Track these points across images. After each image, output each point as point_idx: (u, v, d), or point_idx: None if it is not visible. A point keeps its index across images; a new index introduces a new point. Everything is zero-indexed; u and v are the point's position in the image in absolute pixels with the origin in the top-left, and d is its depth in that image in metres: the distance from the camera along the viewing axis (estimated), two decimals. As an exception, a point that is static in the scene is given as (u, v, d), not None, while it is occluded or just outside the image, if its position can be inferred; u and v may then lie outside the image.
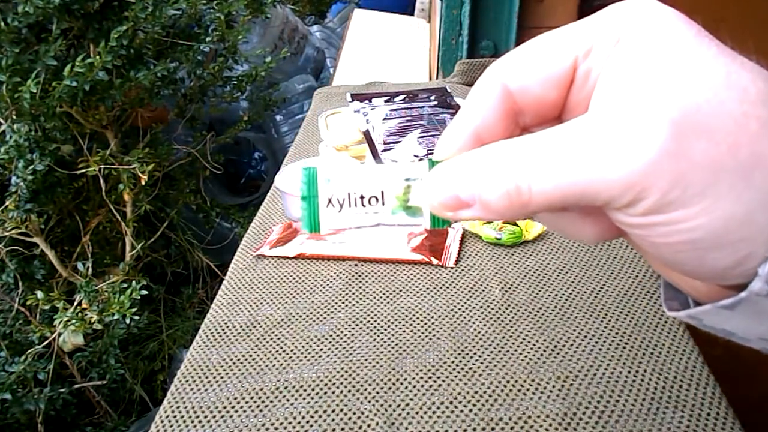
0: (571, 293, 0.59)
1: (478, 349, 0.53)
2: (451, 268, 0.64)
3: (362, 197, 0.22)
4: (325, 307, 0.60)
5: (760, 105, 0.16)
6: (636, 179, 0.17)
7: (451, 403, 0.48)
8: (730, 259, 0.18)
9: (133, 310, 1.08)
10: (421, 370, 0.51)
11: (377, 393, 0.50)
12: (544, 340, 0.54)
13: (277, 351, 0.55)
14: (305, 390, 0.50)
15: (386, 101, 0.91)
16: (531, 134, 0.19)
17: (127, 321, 1.08)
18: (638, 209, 0.17)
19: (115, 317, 1.08)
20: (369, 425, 0.47)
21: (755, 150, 0.16)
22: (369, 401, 0.49)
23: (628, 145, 0.17)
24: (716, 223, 0.17)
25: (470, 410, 0.47)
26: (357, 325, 0.57)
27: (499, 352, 0.53)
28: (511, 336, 0.54)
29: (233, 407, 0.49)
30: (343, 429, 0.47)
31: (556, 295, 0.59)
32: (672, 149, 0.16)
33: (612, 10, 0.19)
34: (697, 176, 0.16)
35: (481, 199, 0.19)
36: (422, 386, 0.50)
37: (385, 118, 0.84)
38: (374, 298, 0.61)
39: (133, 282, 1.12)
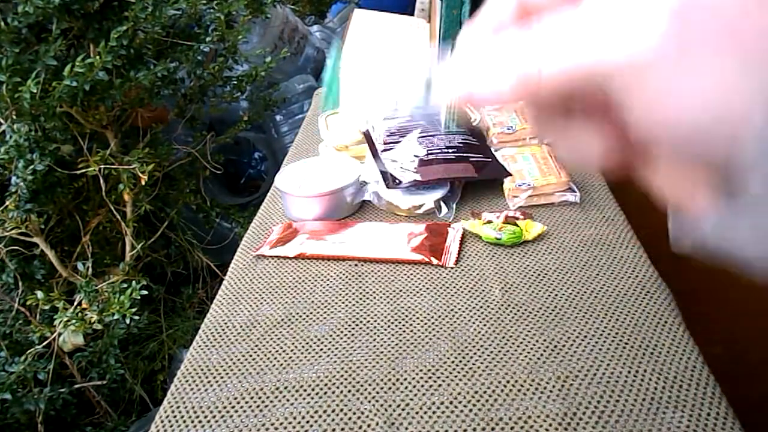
0: (571, 293, 0.59)
1: (478, 349, 0.53)
2: (451, 268, 0.64)
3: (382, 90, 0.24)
4: (325, 307, 0.60)
5: None
6: (644, 47, 0.17)
7: (451, 403, 0.48)
8: (728, 130, 0.18)
9: (133, 310, 1.08)
10: (421, 370, 0.51)
11: (377, 393, 0.50)
12: (544, 340, 0.54)
13: (277, 351, 0.55)
14: (305, 390, 0.50)
15: (386, 101, 0.91)
16: (540, 22, 0.19)
17: (127, 321, 1.08)
18: (648, 81, 0.18)
19: (115, 317, 1.08)
20: (369, 425, 0.47)
21: (758, 23, 0.17)
22: (369, 401, 0.49)
23: (635, 18, 0.17)
24: (721, 90, 0.17)
25: (470, 410, 0.47)
26: (357, 325, 0.57)
27: (499, 352, 0.53)
28: (511, 336, 0.54)
29: (233, 407, 0.49)
30: (343, 429, 0.47)
31: (556, 295, 0.59)
32: (676, 19, 0.17)
33: None
34: (702, 45, 0.17)
35: (495, 87, 0.20)
36: (422, 386, 0.50)
37: (385, 118, 0.84)
38: (374, 298, 0.61)
39: (133, 282, 1.12)
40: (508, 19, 0.22)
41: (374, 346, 0.55)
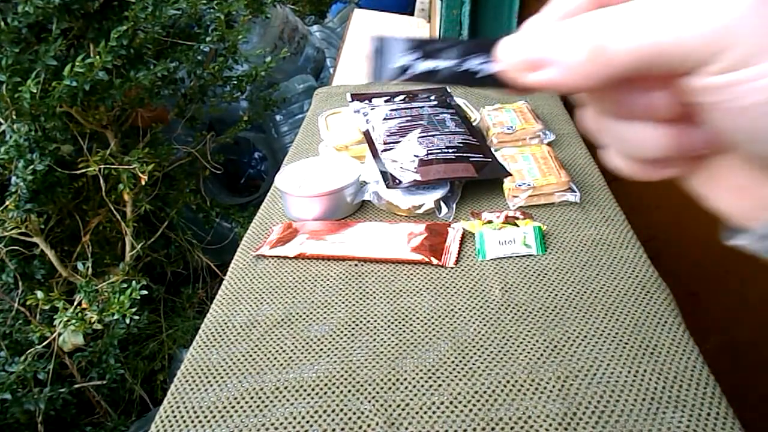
0: (571, 293, 0.59)
1: (478, 349, 0.53)
2: (451, 268, 0.64)
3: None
4: (325, 307, 0.60)
5: None
6: (721, 25, 0.17)
7: (451, 403, 0.48)
8: None
9: (133, 310, 1.08)
10: (421, 370, 0.51)
11: (377, 393, 0.50)
12: (544, 340, 0.54)
13: (277, 351, 0.55)
14: (305, 390, 0.50)
15: (386, 101, 0.91)
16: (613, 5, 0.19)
17: (127, 321, 1.08)
18: (722, 63, 0.17)
19: (115, 317, 1.08)
20: (369, 425, 0.47)
21: None
22: (369, 401, 0.49)
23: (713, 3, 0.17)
24: None
25: (470, 410, 0.47)
26: (357, 325, 0.57)
27: (499, 352, 0.53)
28: (511, 336, 0.54)
29: (233, 407, 0.49)
30: (343, 429, 0.47)
31: (556, 295, 0.59)
32: (758, 7, 0.16)
33: None
34: None
35: (563, 57, 0.19)
36: (422, 386, 0.50)
37: (385, 118, 0.84)
38: (374, 298, 0.61)
39: (133, 282, 1.12)
40: (582, 8, 0.21)
41: (374, 346, 0.55)
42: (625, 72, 0.18)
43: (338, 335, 0.56)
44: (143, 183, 1.23)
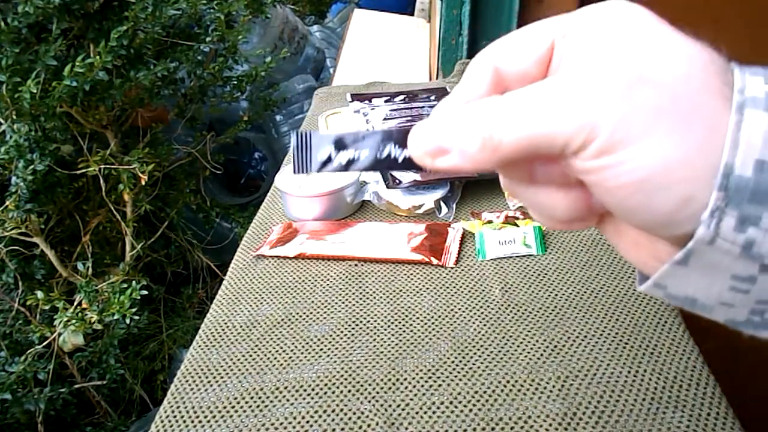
0: (571, 293, 0.59)
1: (478, 349, 0.53)
2: (451, 268, 0.64)
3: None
4: (325, 307, 0.60)
5: (702, 69, 0.19)
6: (586, 120, 0.19)
7: (451, 403, 0.48)
8: (675, 201, 0.19)
9: (133, 310, 1.08)
10: (421, 370, 0.51)
11: (377, 393, 0.50)
12: (544, 340, 0.54)
13: (277, 351, 0.55)
14: (305, 390, 0.50)
15: (386, 101, 0.91)
16: (504, 94, 0.22)
17: (127, 321, 1.08)
18: (590, 151, 0.20)
19: (115, 317, 1.08)
20: (369, 425, 0.47)
21: (694, 103, 0.19)
22: (369, 401, 0.49)
23: (581, 93, 0.20)
24: (658, 162, 0.19)
25: (470, 410, 0.47)
26: (357, 325, 0.57)
27: (499, 352, 0.53)
28: (511, 336, 0.54)
29: (233, 407, 0.49)
30: (343, 429, 0.47)
31: (556, 295, 0.59)
32: (619, 95, 0.19)
33: (587, 8, 0.22)
34: (640, 118, 0.19)
35: (459, 146, 0.22)
36: (422, 386, 0.50)
37: (385, 118, 0.84)
38: (374, 298, 0.61)
39: (133, 282, 1.12)
40: (483, 92, 0.24)
41: (374, 346, 0.55)
42: (513, 157, 0.21)
43: (338, 335, 0.56)
44: (143, 183, 1.23)
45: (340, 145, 0.26)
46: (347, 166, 0.26)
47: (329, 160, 0.26)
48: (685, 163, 0.19)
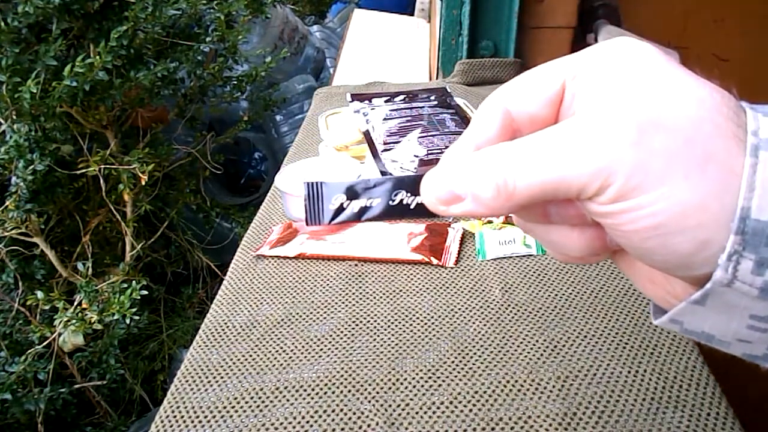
0: (571, 293, 0.59)
1: (478, 349, 0.53)
2: (451, 268, 0.64)
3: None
4: (325, 307, 0.60)
5: (715, 112, 0.19)
6: (602, 166, 0.19)
7: (451, 403, 0.48)
8: (691, 244, 0.20)
9: (133, 310, 1.08)
10: (421, 370, 0.51)
11: (377, 393, 0.50)
12: (544, 340, 0.54)
13: (277, 351, 0.55)
14: (305, 390, 0.50)
15: (386, 101, 0.91)
16: (517, 138, 0.22)
17: (127, 321, 1.08)
18: (606, 196, 0.20)
19: (115, 317, 1.08)
20: (369, 425, 0.47)
21: (708, 147, 0.19)
22: (369, 401, 0.49)
23: (595, 139, 0.20)
24: (675, 207, 0.19)
25: (470, 410, 0.47)
26: (357, 325, 0.57)
27: (499, 352, 0.53)
28: (511, 336, 0.54)
29: (233, 407, 0.49)
30: (343, 429, 0.47)
31: (556, 295, 0.59)
32: (633, 140, 0.19)
33: (596, 47, 0.22)
34: (656, 164, 0.19)
35: (473, 192, 0.22)
36: (422, 386, 0.50)
37: (385, 118, 0.84)
38: (374, 298, 0.61)
39: (133, 282, 1.12)
40: (494, 135, 0.24)
41: (374, 346, 0.55)
42: (528, 203, 0.21)
43: (338, 335, 0.56)
44: (143, 183, 1.23)
45: (351, 194, 0.26)
46: (359, 215, 0.27)
47: (341, 209, 0.27)
48: (702, 207, 0.19)
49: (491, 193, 0.21)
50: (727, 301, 0.20)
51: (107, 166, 1.21)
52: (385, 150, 0.78)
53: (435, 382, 0.50)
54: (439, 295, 0.60)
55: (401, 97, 0.92)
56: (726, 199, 0.19)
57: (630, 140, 0.19)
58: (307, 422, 0.47)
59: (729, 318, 0.21)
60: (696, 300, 0.21)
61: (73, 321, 1.06)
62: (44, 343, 1.14)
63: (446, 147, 0.77)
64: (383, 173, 0.74)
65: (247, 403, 0.50)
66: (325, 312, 0.59)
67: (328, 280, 0.64)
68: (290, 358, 0.54)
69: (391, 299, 0.60)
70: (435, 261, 0.64)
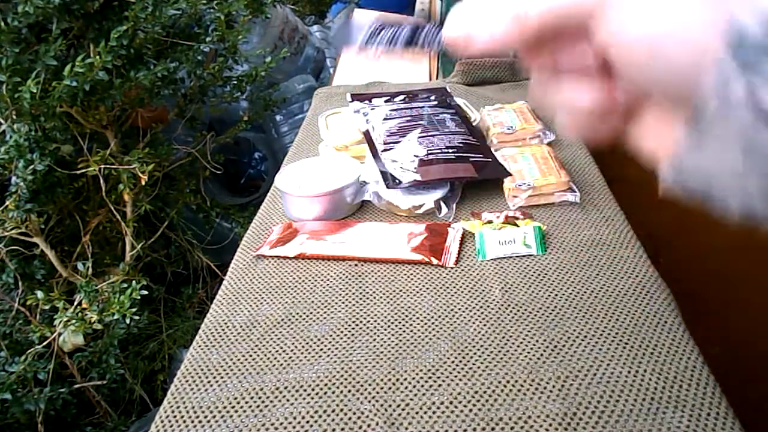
0: (571, 293, 0.59)
1: (478, 349, 0.53)
2: (451, 268, 0.64)
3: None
4: (325, 307, 0.60)
5: None
6: None
7: (451, 403, 0.48)
8: (686, 52, 0.20)
9: (133, 310, 1.08)
10: (421, 370, 0.51)
11: (377, 393, 0.50)
12: (544, 340, 0.54)
13: (277, 351, 0.55)
14: (305, 390, 0.50)
15: (386, 101, 0.91)
16: None
17: (127, 321, 1.08)
18: (605, 18, 0.22)
19: (115, 317, 1.08)
20: (369, 425, 0.47)
21: None
22: (369, 401, 0.49)
23: None
24: (666, 20, 0.20)
25: (470, 410, 0.47)
26: (357, 325, 0.57)
27: (499, 352, 0.53)
28: (511, 336, 0.54)
29: (233, 407, 0.49)
30: (343, 429, 0.47)
31: (556, 295, 0.59)
32: None
33: None
34: None
35: (491, 27, 0.25)
36: (422, 386, 0.50)
37: (385, 118, 0.84)
38: (374, 298, 0.61)
39: (133, 282, 1.12)
40: None
41: (374, 346, 0.55)
42: (541, 29, 0.24)
43: (338, 335, 0.56)
44: (143, 183, 1.23)
45: (382, 25, 0.33)
46: (390, 41, 0.33)
47: (376, 32, 0.33)
48: (694, 19, 0.20)
49: (507, 23, 0.24)
50: (721, 119, 0.20)
51: (107, 166, 1.21)
52: (385, 150, 0.78)
53: (435, 382, 0.50)
54: (439, 295, 0.60)
55: (401, 97, 0.92)
56: (716, 10, 0.19)
57: None
58: (307, 422, 0.47)
59: (728, 147, 0.20)
60: (695, 121, 0.21)
61: (73, 321, 1.06)
62: (44, 343, 1.13)
63: (446, 147, 0.77)
64: (383, 173, 0.74)
65: (247, 403, 0.50)
66: (325, 312, 0.59)
67: (328, 280, 0.64)
68: (290, 358, 0.54)
69: (391, 299, 0.60)
70: (435, 261, 0.64)
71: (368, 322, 0.58)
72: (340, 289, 0.62)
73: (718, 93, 0.19)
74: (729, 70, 0.18)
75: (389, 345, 0.55)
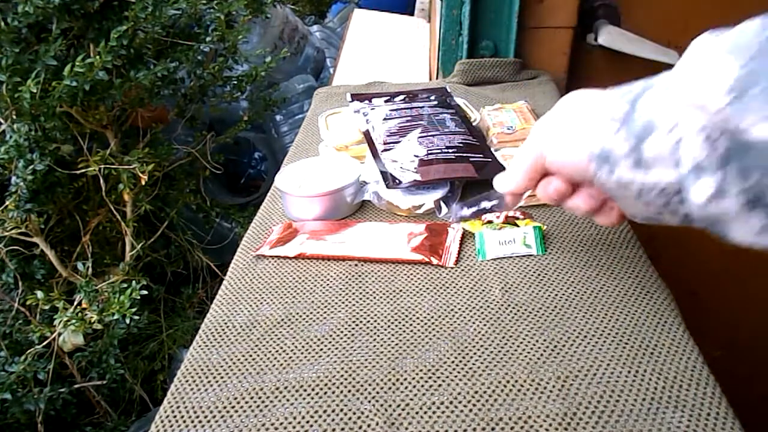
0: (571, 293, 0.59)
1: (478, 349, 0.53)
2: (451, 268, 0.64)
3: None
4: (325, 307, 0.60)
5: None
6: (586, 159, 0.44)
7: (451, 403, 0.48)
8: (577, 164, 0.43)
9: (133, 310, 1.08)
10: (421, 370, 0.51)
11: (377, 393, 0.50)
12: (544, 340, 0.54)
13: (277, 351, 0.55)
14: (305, 390, 0.50)
15: (386, 101, 0.91)
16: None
17: (127, 321, 1.08)
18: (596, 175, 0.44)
19: (115, 317, 1.08)
20: (369, 425, 0.47)
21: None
22: (369, 401, 0.49)
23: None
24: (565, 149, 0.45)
25: (470, 410, 0.47)
26: (357, 325, 0.57)
27: (499, 352, 0.53)
28: (511, 336, 0.54)
29: (233, 407, 0.49)
30: (343, 429, 0.47)
31: (556, 295, 0.59)
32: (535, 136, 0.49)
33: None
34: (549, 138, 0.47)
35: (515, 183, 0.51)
36: (422, 386, 0.50)
37: (385, 118, 0.84)
38: (374, 298, 0.61)
39: (133, 282, 1.12)
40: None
41: (374, 346, 0.55)
42: (528, 176, 0.49)
43: (338, 335, 0.56)
44: (143, 183, 1.23)
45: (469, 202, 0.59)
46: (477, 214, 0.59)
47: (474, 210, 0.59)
48: (577, 150, 0.43)
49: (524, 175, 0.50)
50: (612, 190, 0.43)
51: (107, 166, 1.21)
52: (385, 150, 0.78)
53: (435, 382, 0.50)
54: (439, 295, 0.60)
55: (401, 97, 0.92)
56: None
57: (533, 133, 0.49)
58: (307, 422, 0.47)
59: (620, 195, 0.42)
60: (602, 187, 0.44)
61: (73, 321, 1.06)
62: (44, 343, 1.14)
63: (446, 147, 0.77)
64: (383, 173, 0.74)
65: (247, 403, 0.50)
66: (325, 312, 0.59)
67: (328, 280, 0.64)
68: (290, 358, 0.54)
69: (391, 299, 0.60)
70: (435, 261, 0.64)
71: (368, 322, 0.58)
72: (340, 289, 0.62)
73: (598, 179, 0.42)
74: (595, 169, 0.41)
75: (389, 345, 0.55)
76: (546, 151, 0.45)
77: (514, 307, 0.58)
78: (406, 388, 0.50)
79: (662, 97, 0.35)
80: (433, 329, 0.56)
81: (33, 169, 1.14)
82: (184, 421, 0.48)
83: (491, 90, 1.10)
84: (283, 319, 0.59)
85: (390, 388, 0.50)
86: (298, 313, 0.59)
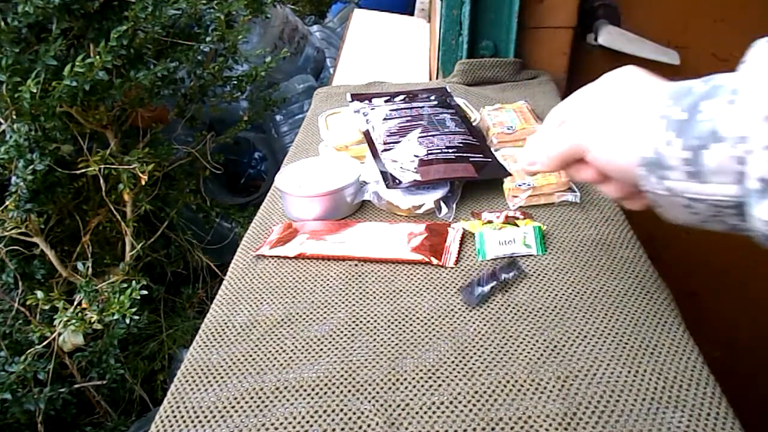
0: (571, 293, 0.59)
1: (478, 349, 0.53)
2: (451, 268, 0.64)
3: None
4: (325, 307, 0.60)
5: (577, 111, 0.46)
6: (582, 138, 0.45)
7: (451, 403, 0.48)
8: (624, 166, 0.41)
9: (133, 310, 1.08)
10: (421, 370, 0.51)
11: (377, 393, 0.50)
12: (544, 340, 0.54)
13: (277, 351, 0.55)
14: (305, 390, 0.50)
15: (386, 101, 0.91)
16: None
17: (127, 321, 1.08)
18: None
19: (115, 317, 1.08)
20: (369, 425, 0.47)
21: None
22: (369, 401, 0.49)
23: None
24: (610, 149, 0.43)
25: (470, 410, 0.47)
26: (357, 325, 0.57)
27: (499, 352, 0.53)
28: (511, 336, 0.54)
29: (233, 407, 0.49)
30: (343, 429, 0.47)
31: (556, 295, 0.59)
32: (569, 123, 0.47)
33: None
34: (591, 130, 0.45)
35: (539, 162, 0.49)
36: (422, 386, 0.50)
37: (385, 118, 0.84)
38: (374, 298, 0.61)
39: (133, 282, 1.12)
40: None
41: (374, 346, 0.55)
42: (562, 161, 0.47)
43: (338, 335, 0.56)
44: (143, 183, 1.23)
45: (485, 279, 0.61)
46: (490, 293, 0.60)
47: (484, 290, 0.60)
48: (626, 152, 0.41)
49: (544, 159, 0.48)
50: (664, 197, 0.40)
51: (107, 166, 1.21)
52: (385, 150, 0.78)
53: (435, 382, 0.50)
54: (439, 295, 0.60)
55: (401, 97, 0.92)
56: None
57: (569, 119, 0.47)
58: (307, 422, 0.47)
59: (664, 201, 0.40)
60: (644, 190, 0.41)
61: (73, 321, 1.06)
62: (44, 343, 1.14)
63: (446, 147, 0.77)
64: (383, 173, 0.74)
65: (247, 403, 0.50)
66: (325, 312, 0.59)
67: (328, 280, 0.64)
68: (290, 358, 0.54)
69: (391, 299, 0.60)
70: (435, 261, 0.64)
71: (368, 322, 0.58)
72: (340, 289, 0.62)
73: (643, 183, 0.39)
74: (644, 174, 0.38)
75: (389, 345, 0.55)
76: (591, 146, 0.43)
77: (514, 307, 0.58)
78: (406, 388, 0.50)
79: (729, 107, 0.33)
80: (433, 329, 0.56)
81: (33, 169, 1.14)
82: (184, 421, 0.48)
83: (491, 90, 1.10)
84: (283, 319, 0.59)
85: (390, 388, 0.50)
86: (298, 313, 0.59)
